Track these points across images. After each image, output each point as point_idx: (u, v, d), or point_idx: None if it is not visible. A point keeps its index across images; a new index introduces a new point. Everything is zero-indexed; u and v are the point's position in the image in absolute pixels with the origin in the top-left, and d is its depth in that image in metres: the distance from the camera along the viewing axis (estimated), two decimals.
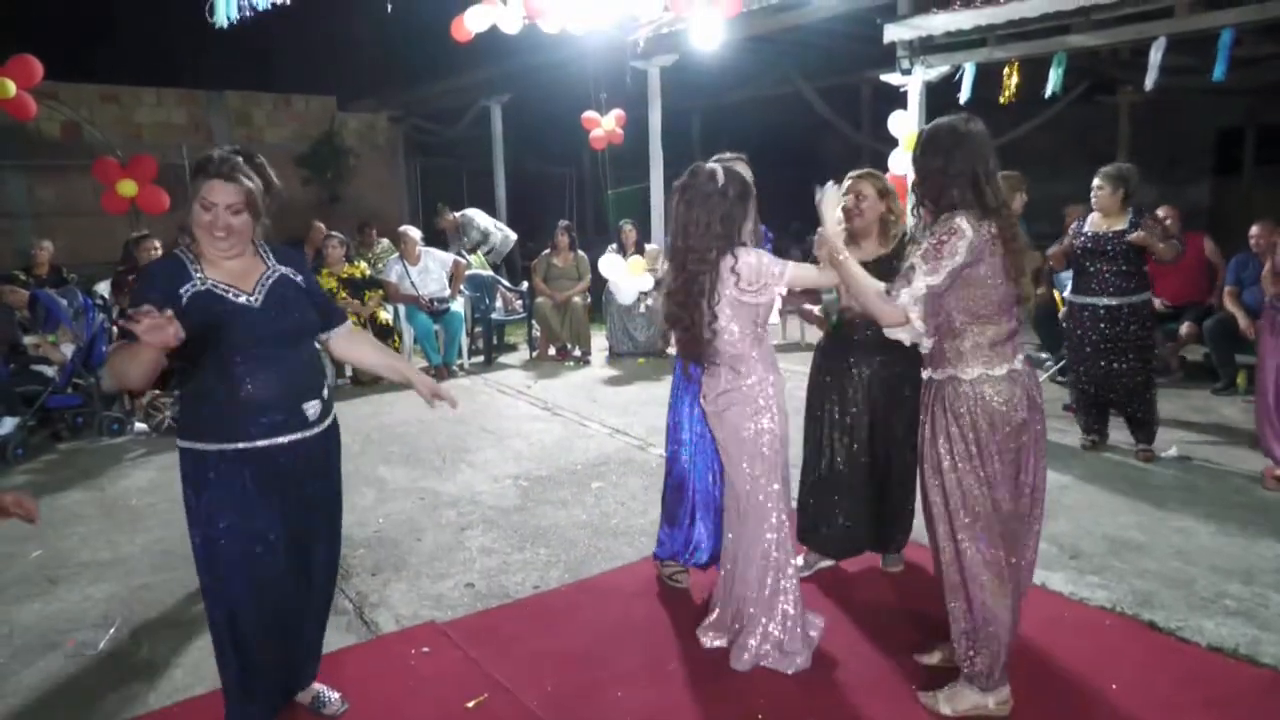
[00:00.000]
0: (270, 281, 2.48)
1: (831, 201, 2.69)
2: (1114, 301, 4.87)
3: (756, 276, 2.75)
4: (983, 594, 2.52)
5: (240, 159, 2.38)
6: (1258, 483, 4.49)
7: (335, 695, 2.78)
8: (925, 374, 2.64)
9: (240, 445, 2.37)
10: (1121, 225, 4.85)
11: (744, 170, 3.01)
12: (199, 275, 2.37)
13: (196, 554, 2.45)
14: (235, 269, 2.43)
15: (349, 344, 2.80)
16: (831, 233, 2.63)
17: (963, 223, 2.41)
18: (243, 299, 2.41)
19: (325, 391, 2.57)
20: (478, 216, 9.97)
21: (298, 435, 2.46)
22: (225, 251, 2.40)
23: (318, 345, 2.70)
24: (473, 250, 9.66)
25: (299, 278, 2.57)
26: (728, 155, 3.14)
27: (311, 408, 2.49)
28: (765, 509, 2.88)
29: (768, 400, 2.87)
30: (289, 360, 2.47)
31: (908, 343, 2.60)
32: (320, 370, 2.62)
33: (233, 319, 2.37)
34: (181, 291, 2.32)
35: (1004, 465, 2.50)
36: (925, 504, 2.66)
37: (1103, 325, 4.89)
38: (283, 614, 2.54)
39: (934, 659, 2.91)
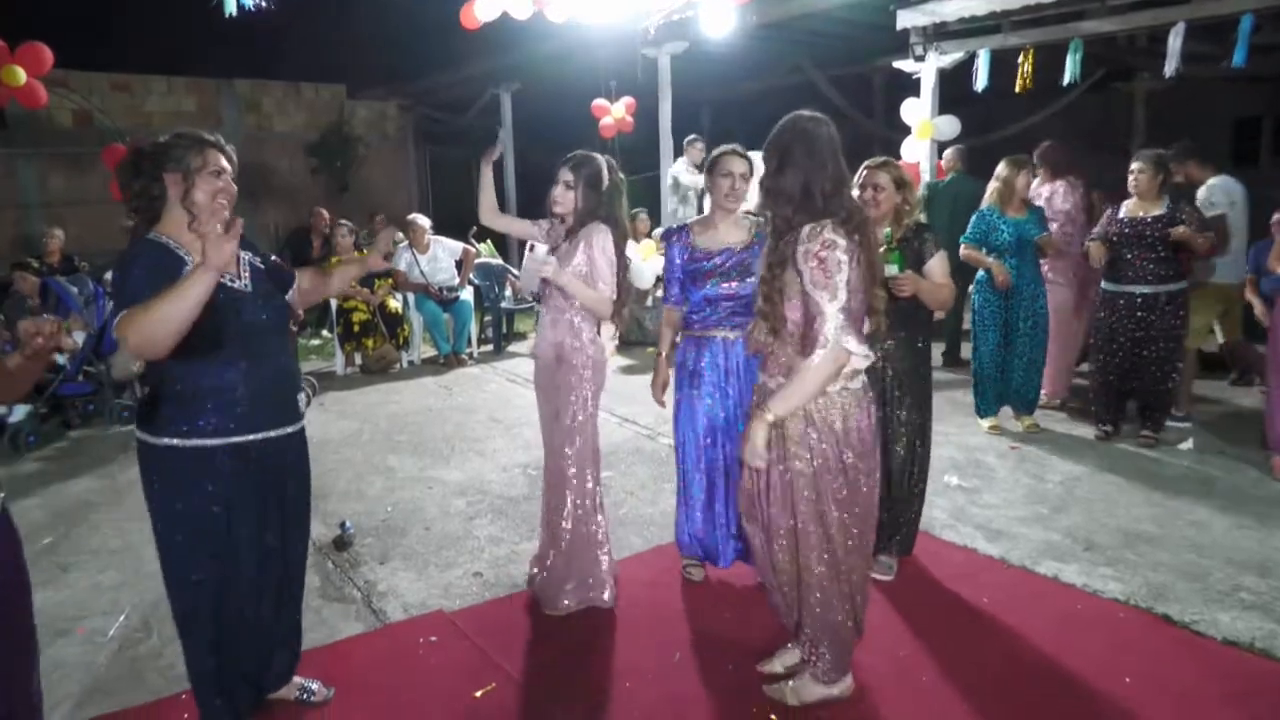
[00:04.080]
0: (248, 267, 2.43)
1: None
2: (1151, 290, 4.76)
3: None
4: (825, 596, 2.50)
5: None
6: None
7: (316, 684, 2.76)
8: (776, 383, 2.46)
9: (235, 439, 2.31)
10: (1159, 211, 4.74)
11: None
12: (189, 259, 2.26)
13: (177, 551, 2.38)
14: None
15: (308, 295, 2.72)
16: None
17: (833, 234, 2.29)
18: (238, 284, 2.36)
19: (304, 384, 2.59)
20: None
21: (289, 429, 2.45)
22: (220, 219, 2.25)
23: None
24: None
25: (257, 258, 2.51)
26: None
27: (301, 399, 2.51)
28: None
29: None
30: (280, 349, 2.46)
31: (861, 366, 2.41)
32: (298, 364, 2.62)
33: (235, 304, 2.31)
34: (185, 273, 2.18)
35: (848, 482, 2.43)
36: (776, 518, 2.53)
37: (1140, 314, 4.78)
38: (254, 606, 2.51)
39: (775, 667, 2.82)
